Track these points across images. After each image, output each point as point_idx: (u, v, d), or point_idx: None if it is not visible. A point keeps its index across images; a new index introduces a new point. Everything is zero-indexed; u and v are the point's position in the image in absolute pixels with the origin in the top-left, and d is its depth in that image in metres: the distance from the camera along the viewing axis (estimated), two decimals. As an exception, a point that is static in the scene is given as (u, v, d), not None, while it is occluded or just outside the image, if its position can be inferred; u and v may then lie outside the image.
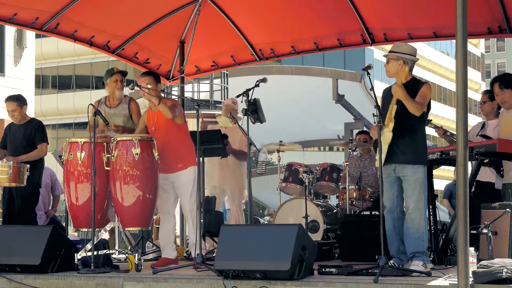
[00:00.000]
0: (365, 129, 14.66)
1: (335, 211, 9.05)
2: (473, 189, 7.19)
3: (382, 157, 6.20)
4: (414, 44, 6.81)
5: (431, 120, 7.40)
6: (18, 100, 7.87)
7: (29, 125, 7.83)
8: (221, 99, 16.37)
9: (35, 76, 26.12)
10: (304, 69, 25.05)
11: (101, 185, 6.81)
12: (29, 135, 7.75)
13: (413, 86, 6.30)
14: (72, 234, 10.33)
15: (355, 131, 13.70)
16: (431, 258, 6.66)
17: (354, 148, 9.28)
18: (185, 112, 7.68)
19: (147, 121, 7.14)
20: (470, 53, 55.10)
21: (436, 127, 7.79)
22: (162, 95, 7.15)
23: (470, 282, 4.94)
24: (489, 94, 7.72)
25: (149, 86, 6.95)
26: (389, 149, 6.22)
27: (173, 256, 7.01)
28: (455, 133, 5.83)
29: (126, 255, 6.77)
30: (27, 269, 6.25)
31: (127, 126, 7.41)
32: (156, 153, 6.78)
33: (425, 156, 6.33)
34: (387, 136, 6.20)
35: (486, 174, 7.35)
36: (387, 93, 6.43)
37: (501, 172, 7.14)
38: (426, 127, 6.65)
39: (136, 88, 6.90)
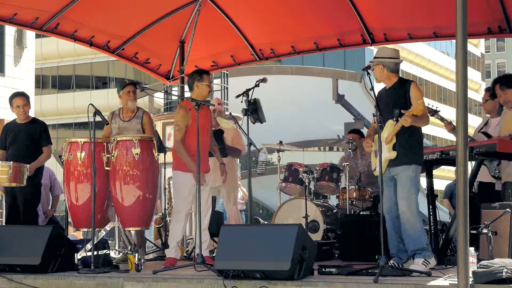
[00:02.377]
0: (364, 127, 14.64)
1: (335, 211, 9.05)
2: (475, 190, 7.18)
3: (382, 166, 6.24)
4: (414, 44, 6.84)
5: (439, 110, 7.34)
6: (26, 96, 7.93)
7: (32, 124, 7.82)
8: (221, 99, 16.36)
9: (35, 76, 26.14)
10: (304, 69, 25.07)
11: (101, 185, 6.82)
12: (33, 135, 7.74)
13: (401, 87, 6.34)
14: (72, 234, 10.32)
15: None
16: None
17: (354, 148, 9.29)
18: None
19: (192, 120, 6.82)
20: (470, 53, 55.06)
21: (447, 122, 7.70)
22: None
23: (470, 282, 4.94)
24: (490, 92, 7.72)
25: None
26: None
27: (178, 256, 7.01)
28: None
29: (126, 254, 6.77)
30: (27, 269, 6.26)
31: None
32: (156, 153, 6.79)
33: (417, 156, 6.31)
34: (387, 156, 6.23)
35: (489, 175, 7.33)
36: (382, 96, 6.44)
37: (492, 174, 7.12)
38: (436, 121, 6.62)
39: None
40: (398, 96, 6.30)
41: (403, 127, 6.17)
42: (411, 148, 6.26)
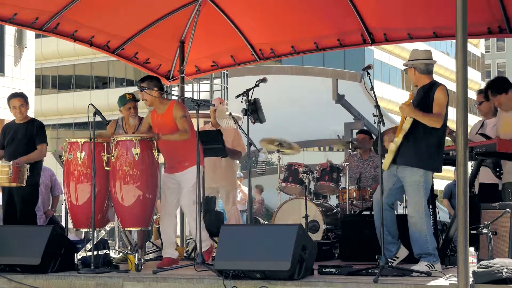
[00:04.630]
0: (364, 128, 14.63)
1: (335, 211, 9.05)
2: (475, 190, 7.18)
3: (386, 161, 6.23)
4: (414, 44, 6.83)
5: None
6: (24, 97, 7.92)
7: (30, 124, 7.81)
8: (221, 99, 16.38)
9: (35, 76, 26.14)
10: (304, 69, 25.06)
11: (101, 185, 6.82)
12: (30, 134, 7.74)
13: (429, 90, 6.30)
14: (72, 234, 10.32)
15: (355, 131, 13.67)
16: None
17: (354, 148, 9.28)
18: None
19: (152, 123, 7.13)
20: (470, 53, 55.02)
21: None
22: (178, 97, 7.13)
23: (470, 282, 4.94)
24: (484, 94, 7.74)
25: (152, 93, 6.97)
26: (396, 151, 6.25)
27: (175, 256, 7.01)
28: None
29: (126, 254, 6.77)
30: (27, 269, 6.26)
31: None
32: (156, 153, 6.79)
33: (427, 161, 6.22)
34: (391, 147, 6.23)
35: (489, 176, 7.33)
36: (414, 96, 6.45)
37: (497, 173, 7.12)
38: None
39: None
40: (423, 96, 6.27)
41: (418, 128, 6.17)
42: (424, 151, 6.20)
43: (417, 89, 6.47)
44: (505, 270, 4.95)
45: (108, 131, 7.59)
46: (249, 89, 7.45)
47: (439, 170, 6.39)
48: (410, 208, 6.26)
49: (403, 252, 6.44)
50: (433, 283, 5.31)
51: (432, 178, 6.41)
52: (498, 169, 7.05)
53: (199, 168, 6.59)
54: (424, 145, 6.20)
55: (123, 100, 7.55)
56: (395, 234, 6.43)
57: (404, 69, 6.48)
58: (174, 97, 10.22)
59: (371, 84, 6.16)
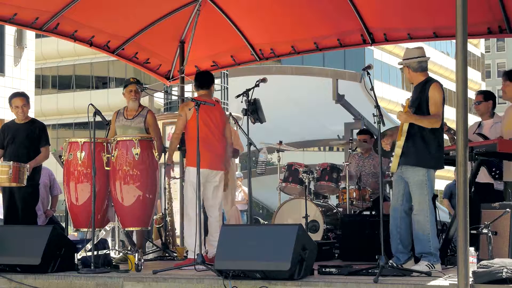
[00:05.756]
0: (364, 127, 14.63)
1: (335, 211, 9.05)
2: (472, 189, 7.18)
3: (393, 165, 6.24)
4: (414, 44, 6.83)
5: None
6: (26, 96, 7.93)
7: (31, 125, 7.81)
8: (221, 99, 16.37)
9: (35, 76, 26.15)
10: (304, 69, 25.02)
11: (101, 185, 6.82)
12: (32, 135, 7.74)
13: (423, 88, 6.31)
14: (72, 234, 10.33)
15: (355, 131, 13.67)
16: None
17: (354, 148, 9.28)
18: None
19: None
20: (470, 53, 55.03)
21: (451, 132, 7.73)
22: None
23: (470, 282, 4.94)
24: (484, 95, 7.75)
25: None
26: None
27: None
28: None
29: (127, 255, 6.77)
30: (27, 269, 6.26)
31: None
32: (156, 153, 6.79)
33: (428, 159, 6.24)
34: (396, 152, 6.24)
35: (485, 175, 7.34)
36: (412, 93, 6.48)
37: (493, 173, 7.12)
38: None
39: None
40: (419, 94, 6.29)
41: (415, 127, 6.18)
42: (423, 150, 6.21)
43: (413, 86, 6.48)
44: (505, 270, 4.95)
45: (112, 122, 7.57)
46: (249, 89, 7.46)
47: (442, 167, 6.39)
48: (414, 207, 6.26)
49: (411, 266, 6.39)
50: (433, 283, 5.31)
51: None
52: (495, 169, 7.06)
53: (199, 170, 6.54)
54: (423, 144, 6.21)
55: (126, 82, 7.56)
56: (407, 245, 6.38)
57: (400, 68, 6.52)
58: (174, 97, 10.23)
59: (371, 84, 6.16)
